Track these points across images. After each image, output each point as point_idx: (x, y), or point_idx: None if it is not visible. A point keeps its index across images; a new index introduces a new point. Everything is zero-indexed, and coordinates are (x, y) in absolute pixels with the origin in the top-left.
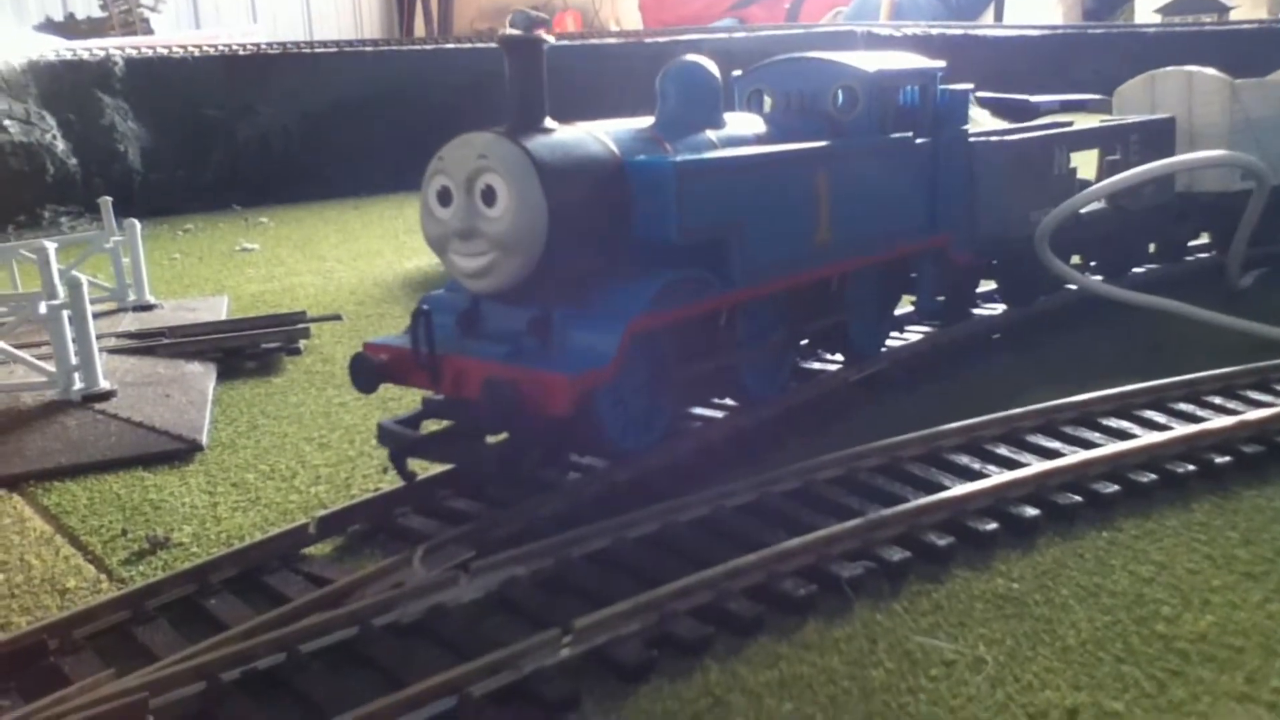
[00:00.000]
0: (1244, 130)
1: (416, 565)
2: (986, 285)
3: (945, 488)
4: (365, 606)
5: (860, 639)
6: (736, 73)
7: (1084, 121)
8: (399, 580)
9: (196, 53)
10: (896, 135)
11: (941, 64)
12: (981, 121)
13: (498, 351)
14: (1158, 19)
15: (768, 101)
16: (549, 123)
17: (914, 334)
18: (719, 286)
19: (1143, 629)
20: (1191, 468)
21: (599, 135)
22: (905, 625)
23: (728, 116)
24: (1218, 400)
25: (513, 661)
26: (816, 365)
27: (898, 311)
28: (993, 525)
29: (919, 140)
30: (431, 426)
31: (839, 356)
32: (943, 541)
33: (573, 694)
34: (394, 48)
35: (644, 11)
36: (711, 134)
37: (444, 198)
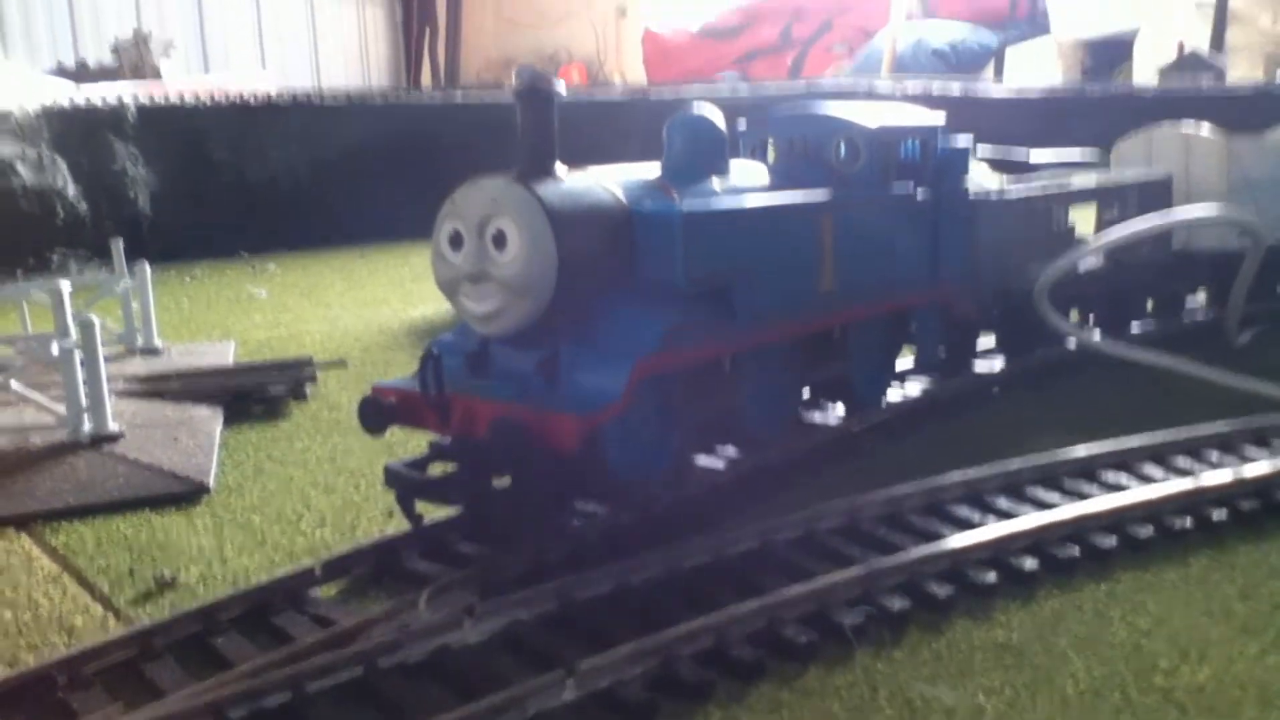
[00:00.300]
0: (1241, 188)
1: (422, 607)
2: (987, 338)
3: (946, 538)
4: (371, 647)
5: (861, 686)
6: (742, 123)
7: (1082, 178)
8: (405, 622)
9: (208, 100)
10: (898, 188)
11: (942, 119)
12: (982, 177)
13: (506, 391)
14: (1155, 79)
15: (772, 152)
16: (559, 169)
17: (915, 385)
18: (723, 330)
19: (1141, 680)
20: (1190, 523)
21: (607, 183)
22: (906, 673)
23: (733, 165)
24: (1216, 456)
25: (518, 702)
26: (819, 416)
27: (899, 363)
28: (993, 576)
29: (920, 193)
30: (438, 470)
31: (841, 407)
32: (943, 591)
33: None
34: (402, 99)
35: (648, 66)
36: (717, 182)
37: (455, 241)
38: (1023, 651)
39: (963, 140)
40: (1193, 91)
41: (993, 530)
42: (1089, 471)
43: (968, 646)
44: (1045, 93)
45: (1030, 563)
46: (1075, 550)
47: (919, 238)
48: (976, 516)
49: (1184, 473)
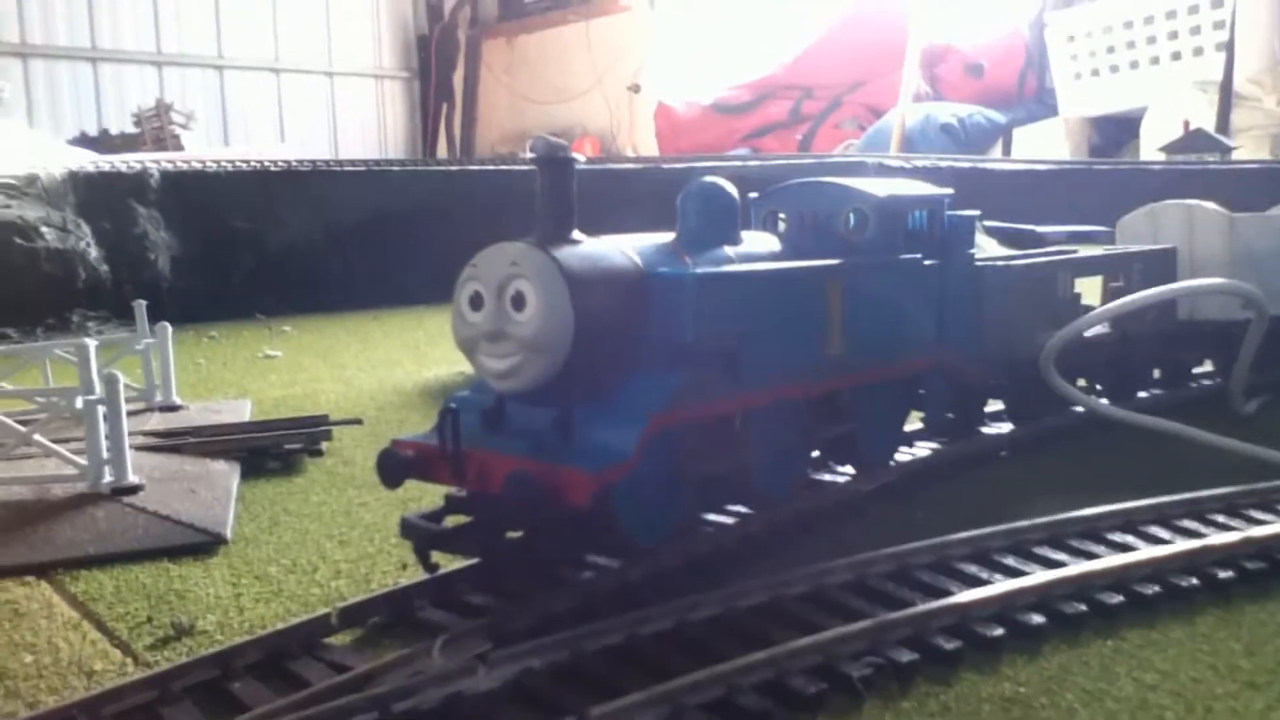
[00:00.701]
0: (1244, 261)
1: (435, 655)
2: (995, 405)
3: (953, 593)
4: (386, 692)
5: None
6: (753, 195)
7: (1089, 252)
8: (418, 669)
9: (230, 167)
10: (905, 256)
11: (949, 191)
12: (990, 249)
13: (520, 447)
14: (1162, 156)
15: (782, 222)
16: (577, 235)
17: (924, 447)
18: (732, 390)
19: None
20: (1196, 581)
21: (623, 248)
22: None
23: (744, 235)
24: (1221, 518)
25: None
26: (827, 476)
27: (907, 427)
28: (1000, 631)
29: (927, 262)
30: (453, 523)
31: (849, 469)
32: (950, 645)
33: None
34: (419, 168)
35: (660, 139)
36: (729, 249)
37: (475, 302)
38: (1030, 704)
39: (969, 212)
40: (1199, 167)
41: (1000, 586)
42: (1095, 532)
43: (975, 699)
44: (1053, 167)
45: (1037, 618)
46: (1082, 607)
47: (926, 305)
48: (984, 574)
49: (1190, 534)
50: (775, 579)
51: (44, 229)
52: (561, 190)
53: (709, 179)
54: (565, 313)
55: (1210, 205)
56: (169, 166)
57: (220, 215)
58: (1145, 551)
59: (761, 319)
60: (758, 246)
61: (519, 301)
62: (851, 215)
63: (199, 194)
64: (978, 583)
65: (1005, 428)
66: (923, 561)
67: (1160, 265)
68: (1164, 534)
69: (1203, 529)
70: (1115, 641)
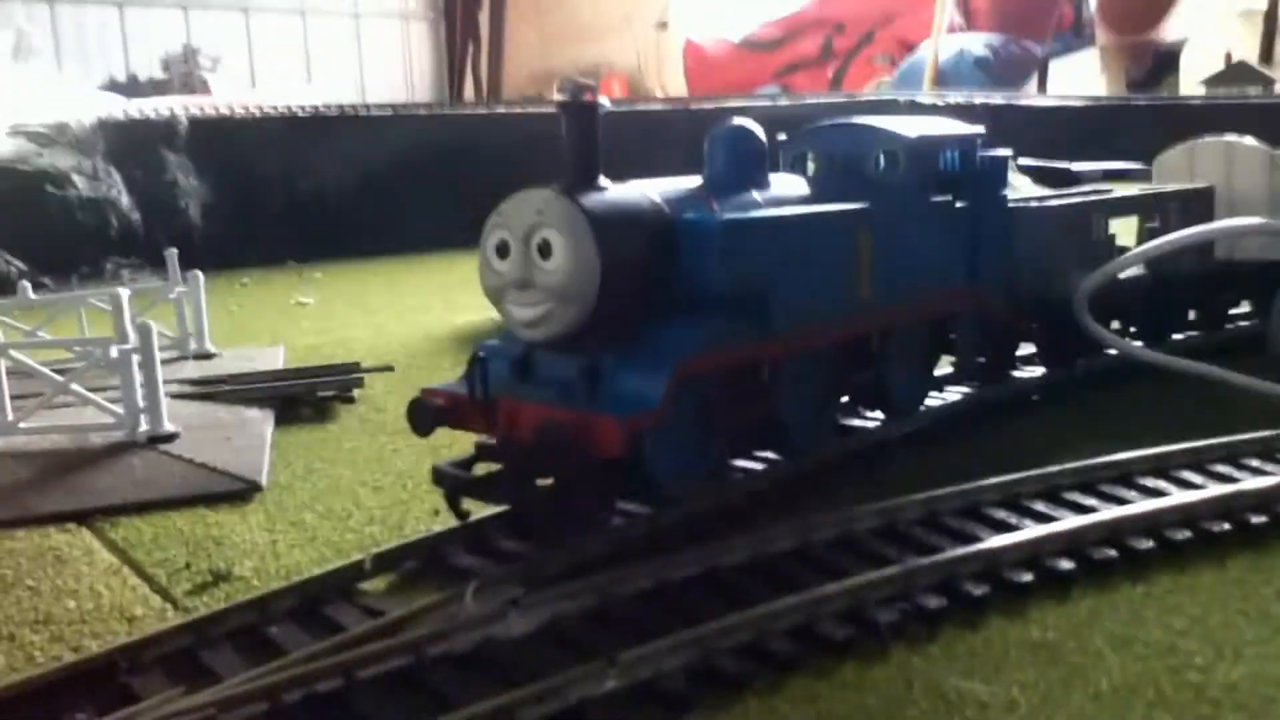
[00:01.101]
0: None
1: (468, 600)
2: (1026, 349)
3: (982, 539)
4: (420, 636)
5: (897, 680)
6: (782, 137)
7: (1124, 191)
8: (452, 613)
9: (258, 113)
10: (936, 198)
11: (981, 130)
12: (1023, 188)
13: (550, 395)
14: (1202, 90)
15: (812, 165)
16: (603, 181)
17: (955, 393)
18: (760, 337)
19: (1175, 678)
20: (1227, 526)
21: (650, 193)
22: (941, 669)
23: (772, 178)
24: (1255, 463)
25: (561, 690)
26: (858, 422)
27: (938, 371)
28: (1029, 576)
29: (959, 204)
30: (484, 470)
31: (879, 415)
32: (979, 590)
33: None
34: (446, 111)
35: (689, 78)
36: (756, 194)
37: (502, 251)
38: (1057, 649)
39: (1002, 151)
40: (1240, 101)
41: (1030, 532)
42: (1126, 477)
43: (1003, 643)
44: (1089, 102)
45: (1066, 564)
46: (1112, 552)
47: (957, 247)
48: (1014, 519)
49: (1224, 478)
50: (804, 524)
51: (75, 177)
52: (586, 136)
53: (736, 122)
54: (592, 261)
55: (1250, 141)
56: (198, 113)
57: (250, 161)
58: (1177, 496)
59: (790, 264)
60: (786, 190)
61: (545, 250)
62: (881, 157)
63: (228, 141)
64: (1007, 528)
65: (1038, 371)
66: (953, 507)
67: (1198, 205)
68: (1197, 479)
69: (1236, 473)
70: (1145, 586)
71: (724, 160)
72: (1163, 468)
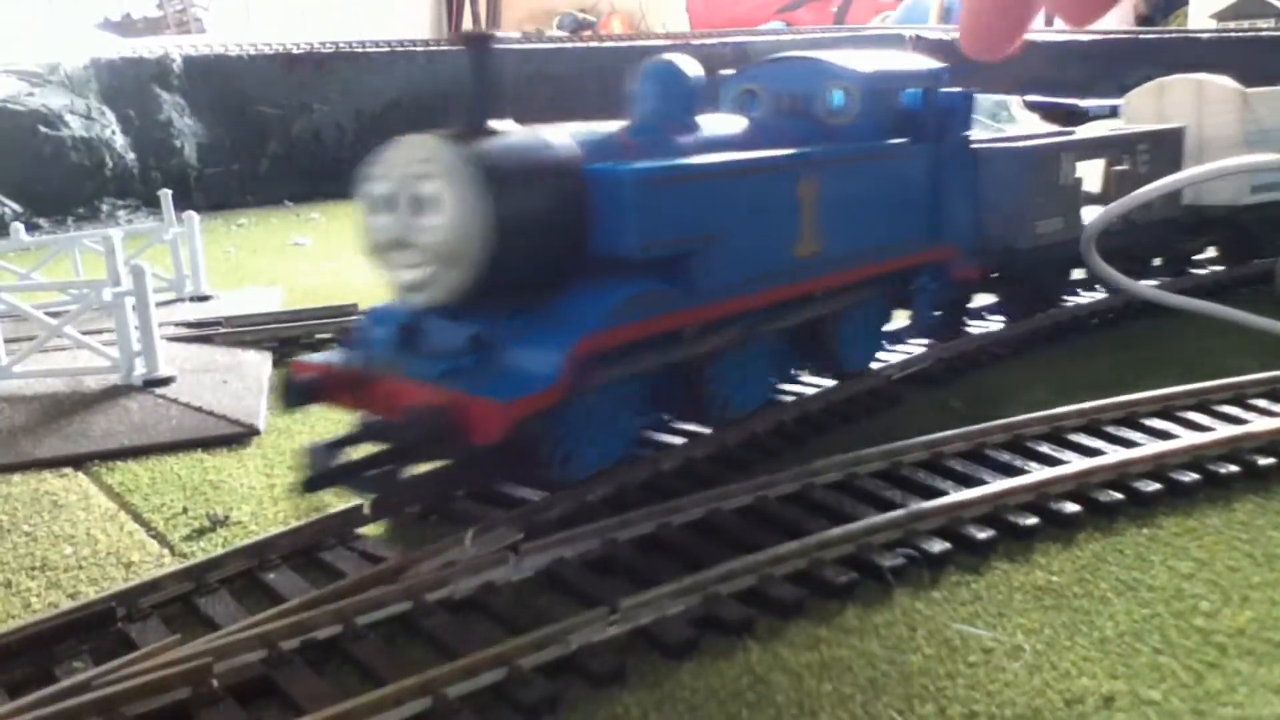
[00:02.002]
0: (1257, 141)
1: (468, 545)
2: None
3: (987, 482)
4: (419, 582)
5: (900, 625)
6: (727, 72)
7: (1090, 130)
8: (451, 559)
9: (253, 51)
10: (894, 141)
11: (945, 65)
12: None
13: (430, 371)
14: (1213, 24)
15: (761, 103)
16: (504, 124)
17: (955, 338)
18: (685, 301)
19: (1181, 622)
20: (1234, 468)
21: (562, 139)
22: (944, 613)
23: (708, 119)
24: (1263, 404)
25: (561, 637)
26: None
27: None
28: (1033, 520)
29: (918, 146)
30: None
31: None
32: (983, 534)
33: (619, 669)
34: (445, 48)
35: (691, 14)
36: (687, 138)
37: (382, 204)
38: (1062, 593)
39: (969, 89)
40: (1250, 34)
41: (1035, 475)
42: (1133, 419)
43: (1007, 588)
44: (1097, 37)
45: (1072, 507)
46: (1118, 495)
47: (918, 194)
48: (1019, 462)
49: (1231, 420)
50: (806, 468)
51: (68, 117)
52: (485, 73)
53: (667, 56)
54: (480, 217)
55: (1222, 79)
56: (192, 52)
57: (246, 101)
58: (1184, 439)
59: (720, 219)
60: (722, 133)
61: (429, 203)
62: (833, 94)
63: (223, 79)
64: (1012, 471)
65: (996, 325)
66: (957, 450)
67: (1168, 146)
68: (1204, 420)
69: (1244, 415)
70: (1151, 530)
71: (652, 101)
72: (1169, 409)
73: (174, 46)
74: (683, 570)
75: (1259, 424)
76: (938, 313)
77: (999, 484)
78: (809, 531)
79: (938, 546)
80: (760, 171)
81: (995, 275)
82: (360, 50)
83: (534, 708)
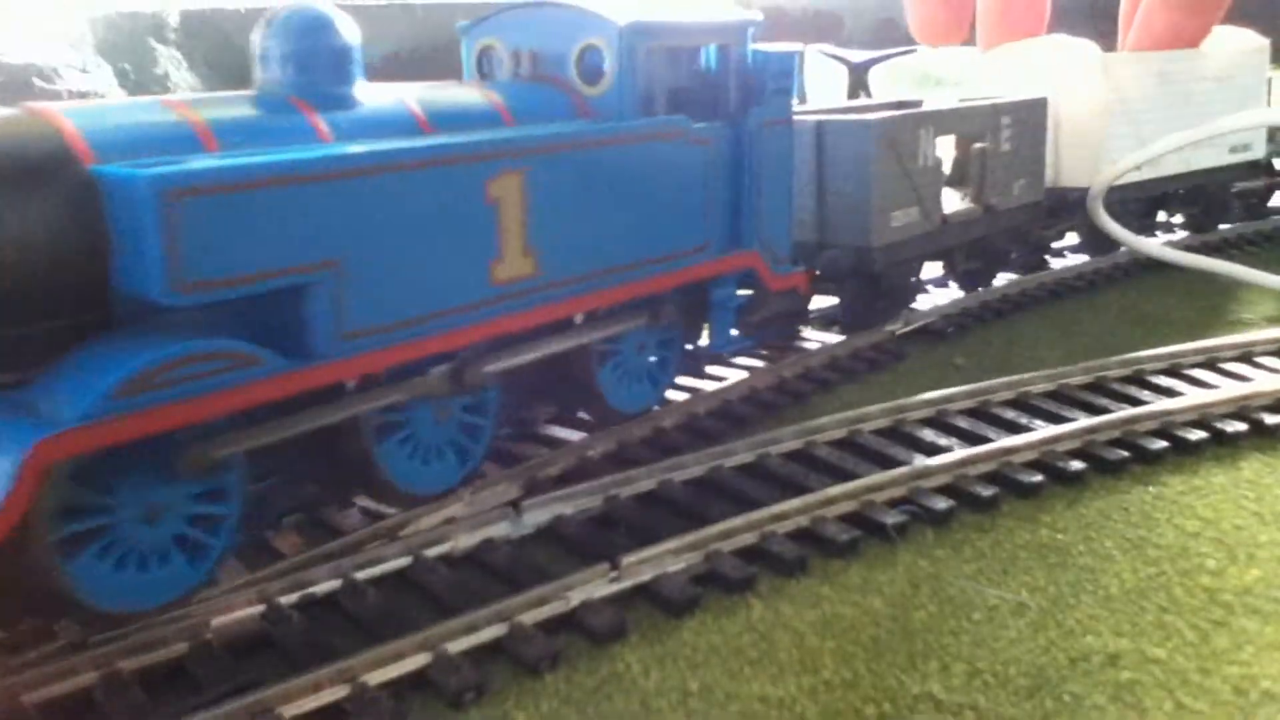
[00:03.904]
0: (1118, 111)
1: (467, 501)
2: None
3: (991, 440)
4: (418, 538)
5: (903, 583)
6: (462, 23)
7: (943, 102)
8: (451, 516)
9: (250, 4)
10: (657, 119)
11: (757, 18)
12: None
13: None
14: None
15: (500, 64)
16: None
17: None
18: (285, 364)
19: (1187, 581)
20: (1242, 426)
21: (56, 125)
22: (948, 571)
23: (367, 91)
24: (1271, 362)
25: (561, 593)
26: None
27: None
28: (1039, 477)
29: (705, 126)
30: None
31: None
32: (987, 492)
33: (620, 626)
34: (445, 1)
35: None
36: (320, 119)
37: None
38: (1067, 551)
39: (789, 46)
40: None
41: (1040, 432)
42: (1139, 376)
43: (1011, 545)
44: None
45: (1077, 465)
46: (1124, 453)
47: (705, 189)
48: (1024, 419)
49: (1238, 378)
50: (809, 425)
51: (64, 71)
52: None
53: (300, 5)
54: None
55: (1084, 43)
56: (188, 5)
57: (243, 55)
58: (1191, 396)
59: (347, 239)
60: (382, 111)
61: None
62: (584, 53)
63: (220, 34)
64: (1017, 429)
65: (831, 339)
66: (961, 407)
67: (1033, 118)
68: (1211, 378)
69: (1252, 373)
70: (1157, 488)
71: (282, 65)
72: (1176, 367)
73: (170, 0)
74: (684, 527)
75: (1267, 382)
76: (737, 332)
77: (1004, 441)
78: (812, 489)
79: (942, 504)
80: (416, 167)
81: (838, 281)
82: (359, 4)
83: (535, 663)
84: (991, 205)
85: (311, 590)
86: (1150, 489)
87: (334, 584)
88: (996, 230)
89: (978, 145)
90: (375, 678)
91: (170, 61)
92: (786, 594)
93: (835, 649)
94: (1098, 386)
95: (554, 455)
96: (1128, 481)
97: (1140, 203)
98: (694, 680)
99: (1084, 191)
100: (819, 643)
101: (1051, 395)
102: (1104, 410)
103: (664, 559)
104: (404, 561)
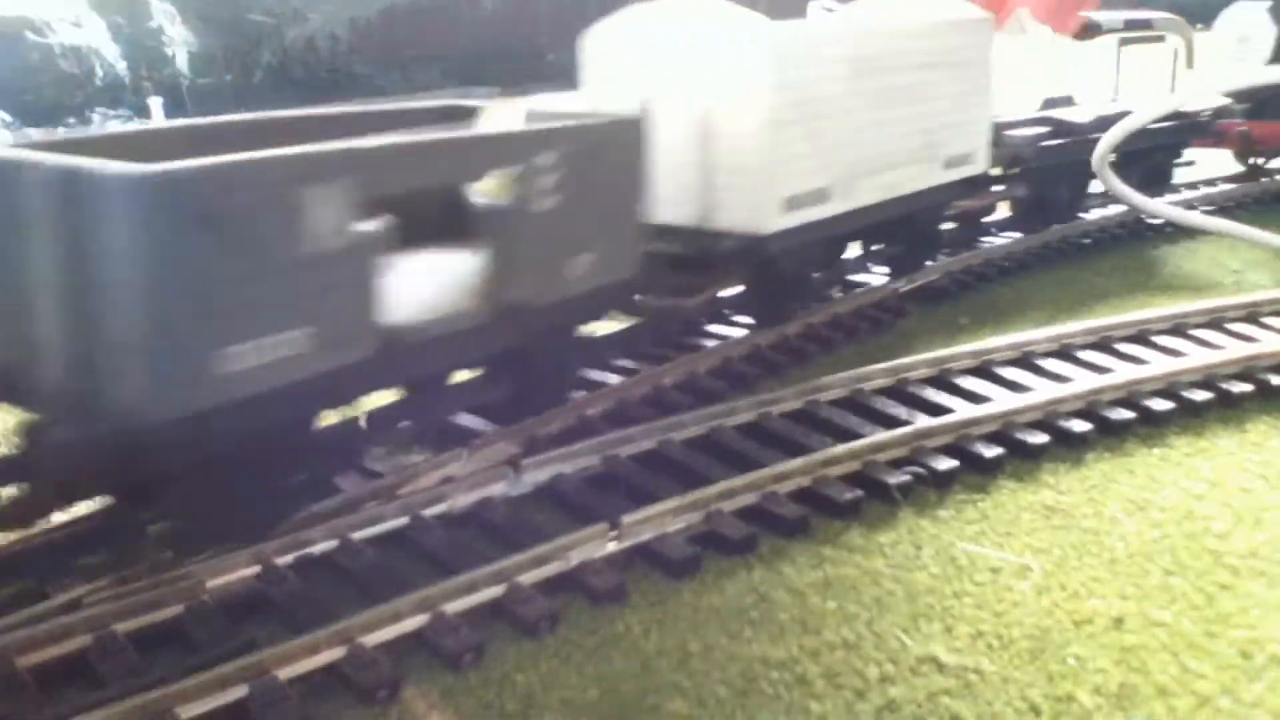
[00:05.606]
0: (794, 122)
1: (466, 460)
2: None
3: (994, 400)
4: (415, 497)
5: (905, 544)
6: None
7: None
8: (449, 475)
9: None
10: None
11: None
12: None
13: None
14: None
15: None
16: None
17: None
18: None
19: (1192, 543)
20: (1247, 387)
21: None
22: (951, 532)
23: None
24: (1277, 322)
25: (560, 553)
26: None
27: None
28: (1042, 438)
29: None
30: None
31: None
32: (991, 452)
33: (619, 587)
34: None
35: None
36: None
37: None
38: (1071, 513)
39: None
40: None
41: (1043, 393)
42: (1143, 336)
43: (1014, 507)
44: None
45: (1081, 425)
46: (1128, 414)
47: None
48: (1027, 379)
49: (1244, 339)
50: (811, 384)
51: (56, 24)
52: None
53: None
54: None
55: (745, 14)
56: None
57: (238, 8)
58: (1196, 356)
59: None
60: None
61: None
62: None
63: None
64: (1020, 389)
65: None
66: (964, 367)
67: (610, 153)
68: (1217, 338)
69: (1258, 333)
70: (1162, 450)
71: None
72: (1181, 327)
73: None
74: (685, 487)
75: (1273, 342)
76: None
77: (1007, 401)
78: (813, 449)
79: (945, 464)
80: None
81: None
82: None
83: (534, 624)
84: (515, 303)
85: (308, 550)
86: (1155, 450)
87: (331, 544)
88: (531, 339)
89: (482, 203)
90: (373, 639)
91: (165, 16)
92: (788, 555)
93: (837, 610)
94: (1102, 346)
95: (552, 414)
96: (1132, 443)
97: (820, 246)
98: (695, 641)
99: (747, 238)
100: (820, 603)
101: (1055, 354)
102: (1108, 370)
103: (664, 519)
104: (401, 521)
